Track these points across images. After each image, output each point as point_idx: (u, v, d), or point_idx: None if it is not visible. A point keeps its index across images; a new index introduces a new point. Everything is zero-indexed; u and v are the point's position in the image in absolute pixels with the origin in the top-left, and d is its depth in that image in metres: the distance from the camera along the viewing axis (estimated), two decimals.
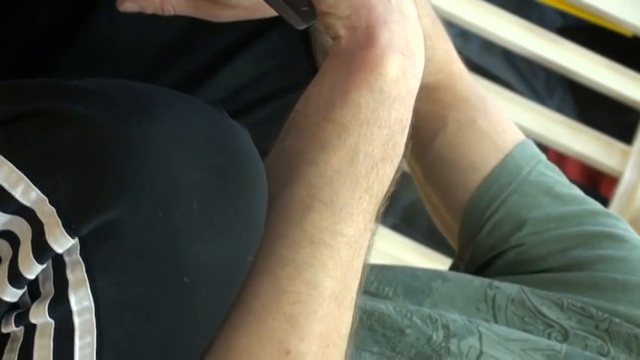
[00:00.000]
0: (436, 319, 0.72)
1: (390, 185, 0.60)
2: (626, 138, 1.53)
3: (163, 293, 0.52)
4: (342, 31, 0.59)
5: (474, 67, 0.88)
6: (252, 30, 0.71)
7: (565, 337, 0.74)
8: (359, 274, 0.59)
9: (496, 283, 0.78)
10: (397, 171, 0.60)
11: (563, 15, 1.71)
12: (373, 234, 0.60)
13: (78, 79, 0.73)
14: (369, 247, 0.60)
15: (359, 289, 0.59)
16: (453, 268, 0.88)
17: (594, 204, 0.82)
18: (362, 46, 0.58)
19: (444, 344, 0.71)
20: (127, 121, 0.52)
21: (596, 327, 0.75)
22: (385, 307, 0.73)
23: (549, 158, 0.85)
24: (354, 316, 0.59)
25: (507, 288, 0.77)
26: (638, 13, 1.57)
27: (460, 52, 0.86)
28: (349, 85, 0.58)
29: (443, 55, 0.83)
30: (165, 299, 0.53)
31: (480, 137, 0.83)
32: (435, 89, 0.84)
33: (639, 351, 0.73)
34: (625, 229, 0.80)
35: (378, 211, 0.60)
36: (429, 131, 0.85)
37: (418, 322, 0.72)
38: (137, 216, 0.51)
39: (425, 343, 0.71)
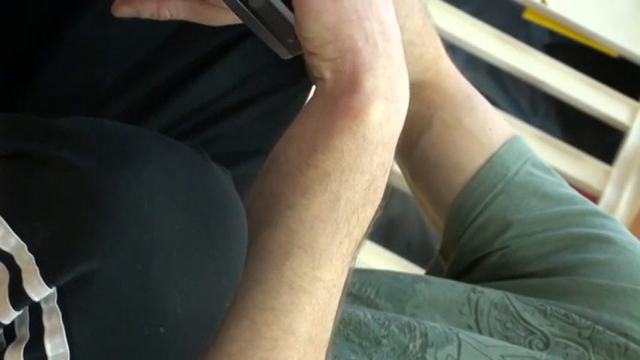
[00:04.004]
0: (415, 327, 0.72)
1: (369, 227, 0.60)
2: (608, 158, 1.53)
3: (139, 343, 0.52)
4: (327, 74, 0.58)
5: None
6: (243, 30, 0.71)
7: (546, 344, 0.74)
8: (334, 314, 0.59)
9: (479, 287, 0.77)
10: (377, 211, 0.60)
11: (550, 33, 1.71)
12: (350, 272, 0.60)
13: (60, 82, 0.72)
14: (346, 283, 0.60)
15: (334, 326, 0.59)
16: (433, 264, 0.87)
17: (584, 202, 0.81)
18: (346, 92, 0.57)
19: (420, 355, 0.70)
20: (110, 170, 0.51)
21: (579, 334, 0.74)
22: (363, 314, 0.73)
23: None
24: (327, 353, 0.59)
25: (491, 293, 0.76)
26: (624, 34, 1.58)
27: None
28: (332, 130, 0.57)
29: (432, 52, 0.82)
30: (140, 349, 0.52)
31: (466, 136, 0.82)
32: (421, 88, 0.83)
33: (620, 359, 0.73)
34: (614, 229, 0.79)
35: (356, 251, 0.60)
36: (415, 132, 0.84)
37: (396, 330, 0.71)
38: (115, 267, 0.51)
39: (400, 354, 0.70)
